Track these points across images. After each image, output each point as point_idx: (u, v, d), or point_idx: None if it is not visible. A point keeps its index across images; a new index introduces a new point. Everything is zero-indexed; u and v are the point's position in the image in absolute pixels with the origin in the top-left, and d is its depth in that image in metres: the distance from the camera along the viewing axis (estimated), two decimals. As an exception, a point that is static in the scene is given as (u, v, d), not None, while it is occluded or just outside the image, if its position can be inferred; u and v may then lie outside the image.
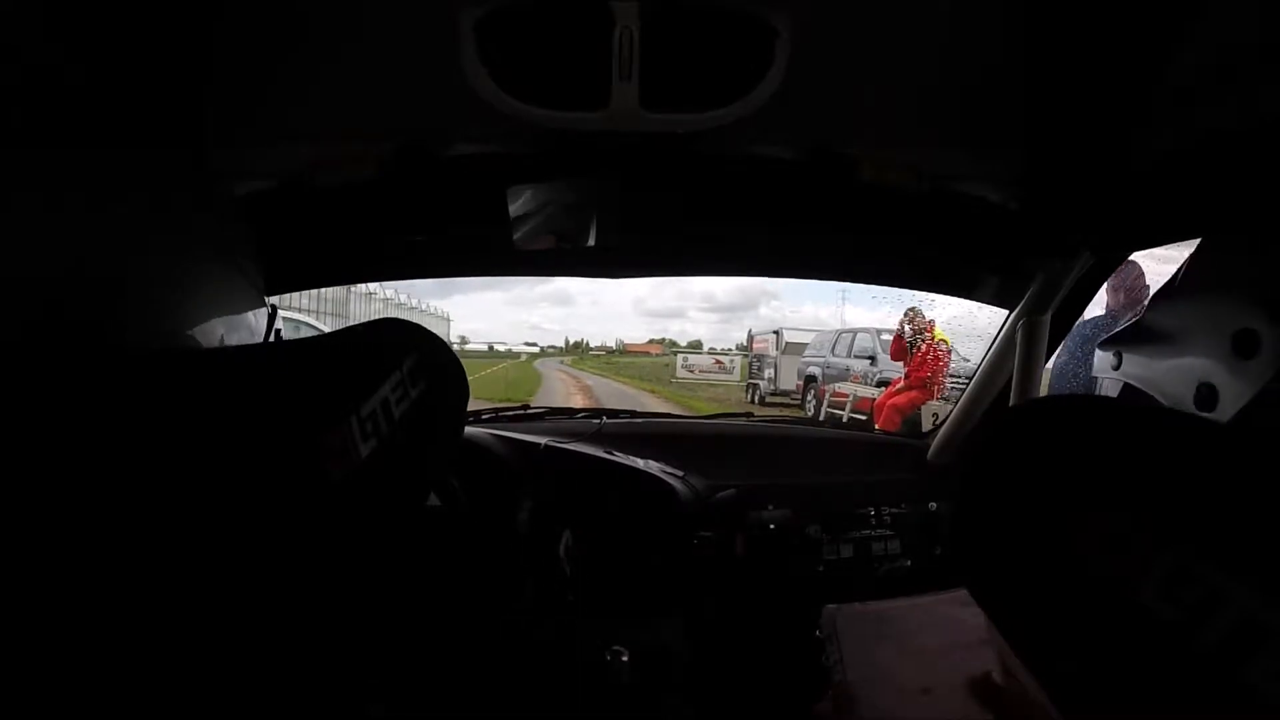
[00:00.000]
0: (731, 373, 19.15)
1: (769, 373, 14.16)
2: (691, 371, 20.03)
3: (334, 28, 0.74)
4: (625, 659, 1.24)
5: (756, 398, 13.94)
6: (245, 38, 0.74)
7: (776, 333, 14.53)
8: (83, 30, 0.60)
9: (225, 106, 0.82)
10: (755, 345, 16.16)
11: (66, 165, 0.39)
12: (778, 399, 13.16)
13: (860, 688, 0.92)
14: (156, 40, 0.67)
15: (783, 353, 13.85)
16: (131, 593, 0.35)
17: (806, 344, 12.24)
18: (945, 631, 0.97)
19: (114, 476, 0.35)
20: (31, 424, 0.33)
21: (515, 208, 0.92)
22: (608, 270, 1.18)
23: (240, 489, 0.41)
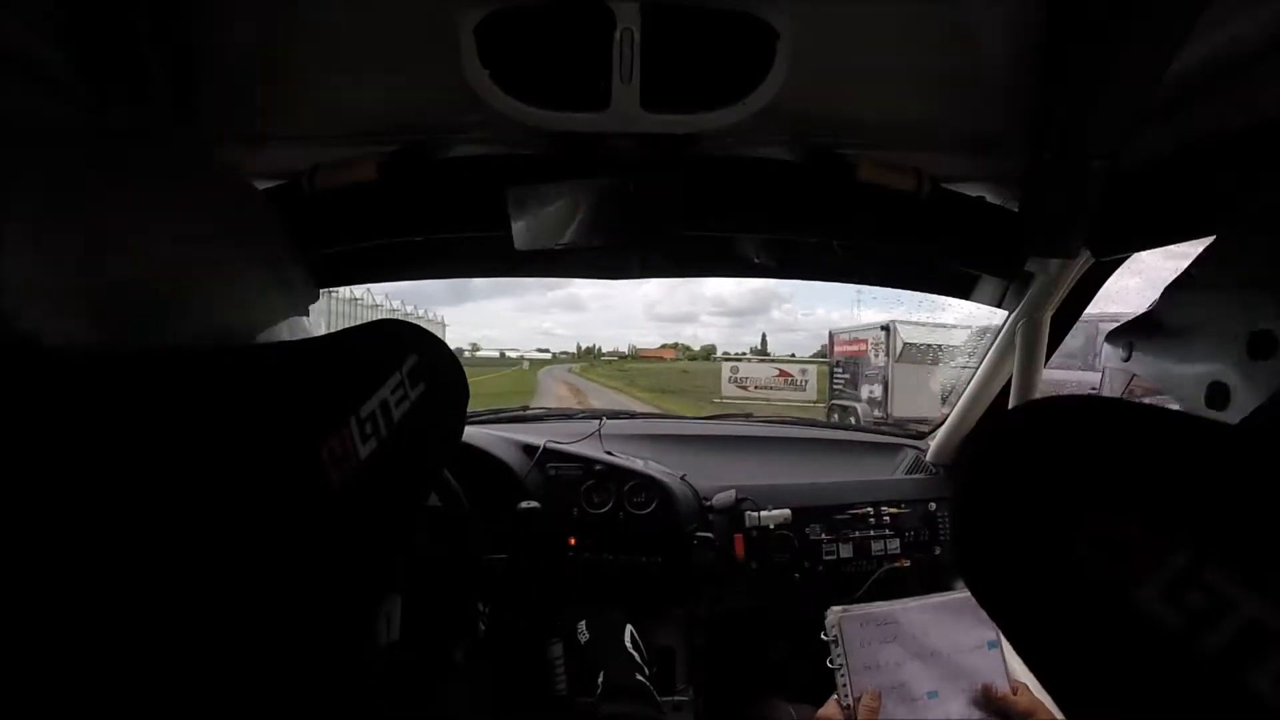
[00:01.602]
0: (804, 389, 14.22)
1: (871, 390, 9.49)
2: (745, 387, 14.96)
3: (334, 28, 0.74)
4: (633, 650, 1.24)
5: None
6: (246, 38, 0.74)
7: (886, 329, 9.16)
8: (79, 27, 0.60)
9: (226, 107, 0.82)
10: (841, 348, 10.90)
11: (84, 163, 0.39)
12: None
13: (866, 691, 0.93)
14: (153, 36, 0.67)
15: (898, 359, 8.91)
16: (129, 604, 0.34)
17: (953, 346, 6.09)
18: (951, 633, 0.98)
19: (114, 486, 0.35)
20: (32, 427, 0.33)
21: (516, 209, 0.92)
22: (608, 271, 1.18)
23: (243, 497, 0.41)
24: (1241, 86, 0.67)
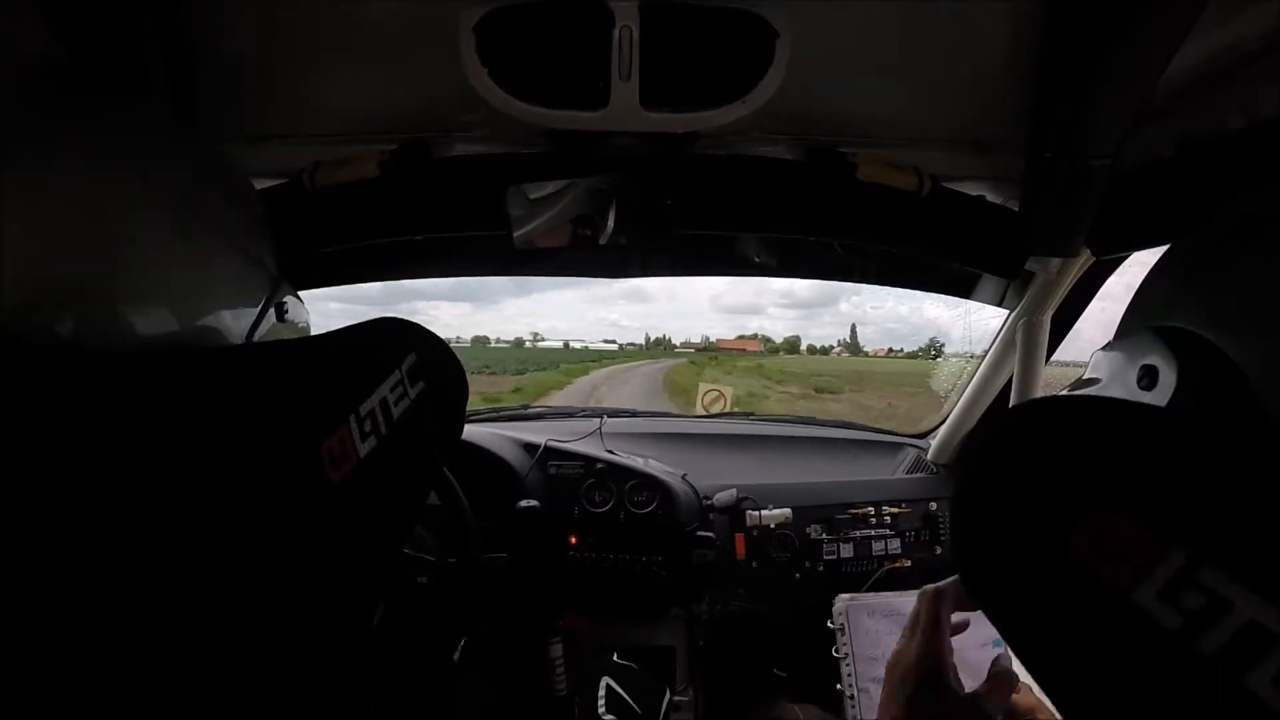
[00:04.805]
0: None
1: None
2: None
3: (334, 27, 0.74)
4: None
5: None
6: (246, 37, 0.74)
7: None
8: (78, 27, 0.60)
9: (226, 106, 0.82)
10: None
11: (65, 151, 0.39)
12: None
13: (871, 682, 0.92)
14: (151, 29, 0.68)
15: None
16: (126, 607, 0.35)
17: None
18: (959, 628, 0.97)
19: (113, 488, 0.35)
20: (34, 427, 0.33)
21: (515, 207, 0.92)
22: (607, 270, 1.18)
23: (245, 496, 0.41)
24: (1241, 86, 0.66)
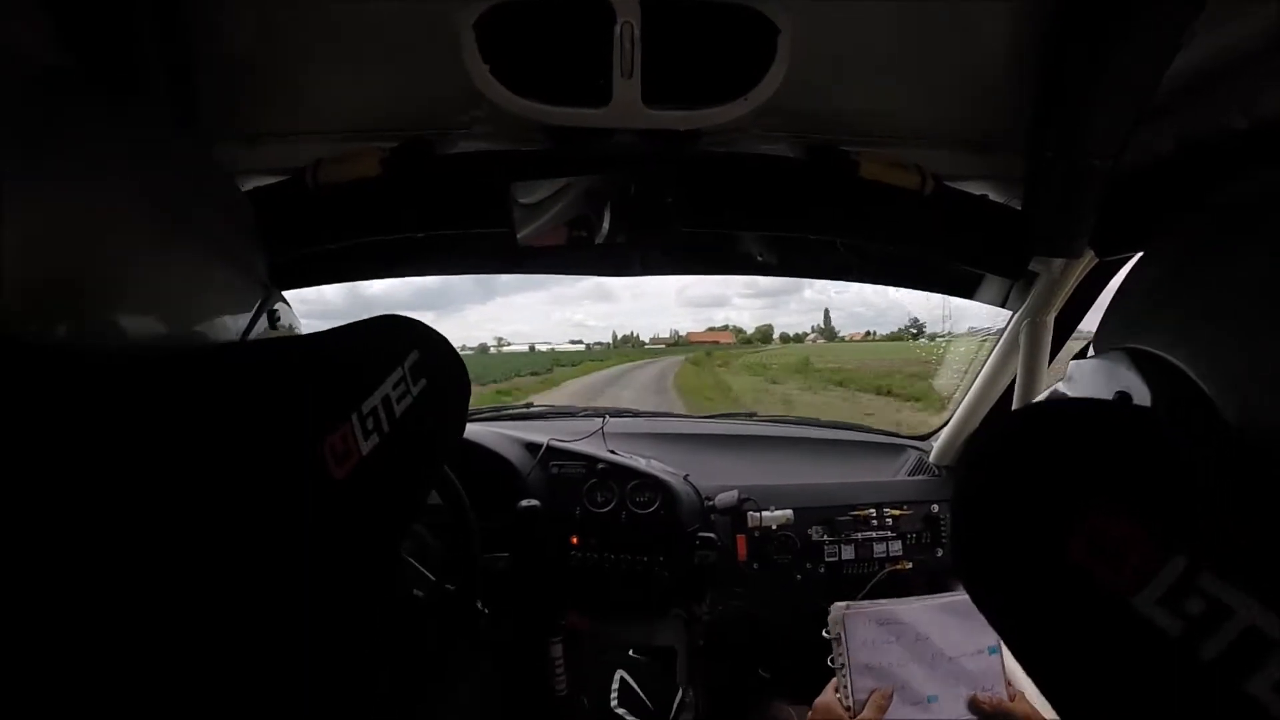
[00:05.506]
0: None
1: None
2: None
3: (335, 25, 0.74)
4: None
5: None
6: (247, 35, 0.75)
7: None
8: (78, 25, 0.60)
9: (227, 104, 0.82)
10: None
11: (54, 152, 0.39)
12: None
13: (866, 692, 0.92)
14: (151, 28, 0.68)
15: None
16: (129, 604, 0.35)
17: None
18: (954, 636, 0.96)
19: (116, 485, 0.35)
20: (36, 427, 0.33)
21: (517, 205, 0.92)
22: (609, 268, 1.18)
23: (247, 494, 0.41)
24: (1242, 86, 0.66)
